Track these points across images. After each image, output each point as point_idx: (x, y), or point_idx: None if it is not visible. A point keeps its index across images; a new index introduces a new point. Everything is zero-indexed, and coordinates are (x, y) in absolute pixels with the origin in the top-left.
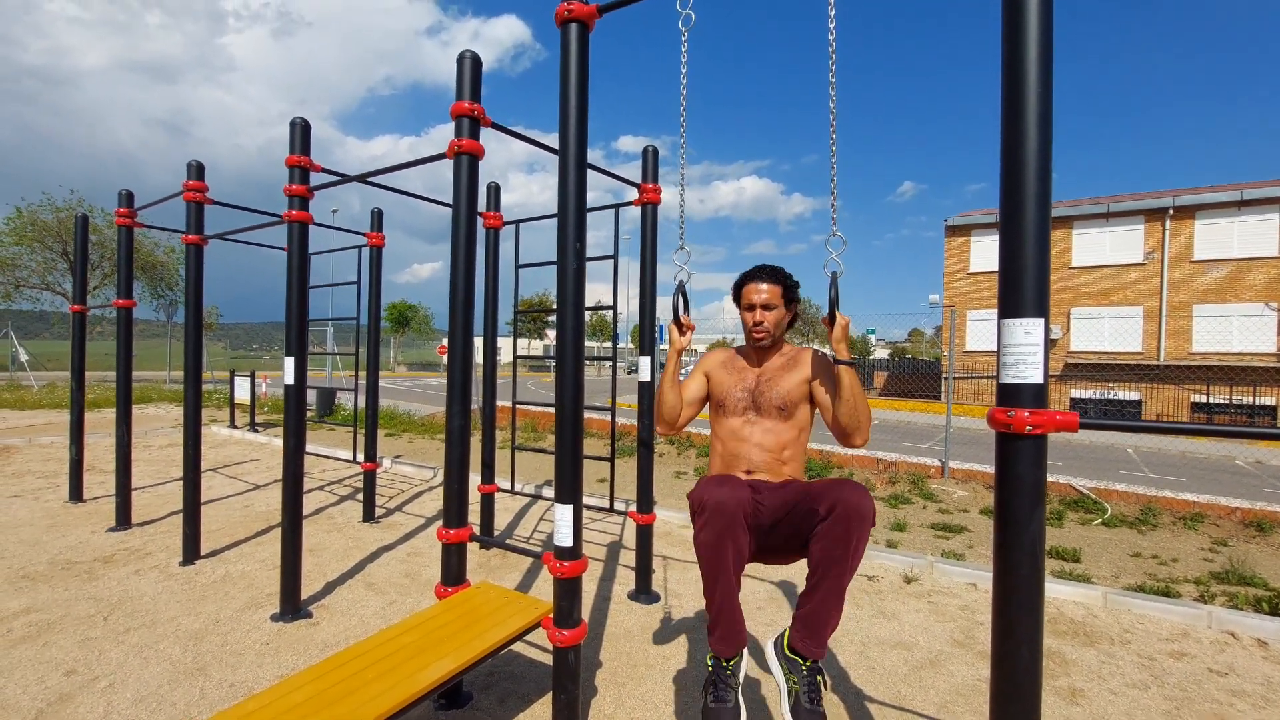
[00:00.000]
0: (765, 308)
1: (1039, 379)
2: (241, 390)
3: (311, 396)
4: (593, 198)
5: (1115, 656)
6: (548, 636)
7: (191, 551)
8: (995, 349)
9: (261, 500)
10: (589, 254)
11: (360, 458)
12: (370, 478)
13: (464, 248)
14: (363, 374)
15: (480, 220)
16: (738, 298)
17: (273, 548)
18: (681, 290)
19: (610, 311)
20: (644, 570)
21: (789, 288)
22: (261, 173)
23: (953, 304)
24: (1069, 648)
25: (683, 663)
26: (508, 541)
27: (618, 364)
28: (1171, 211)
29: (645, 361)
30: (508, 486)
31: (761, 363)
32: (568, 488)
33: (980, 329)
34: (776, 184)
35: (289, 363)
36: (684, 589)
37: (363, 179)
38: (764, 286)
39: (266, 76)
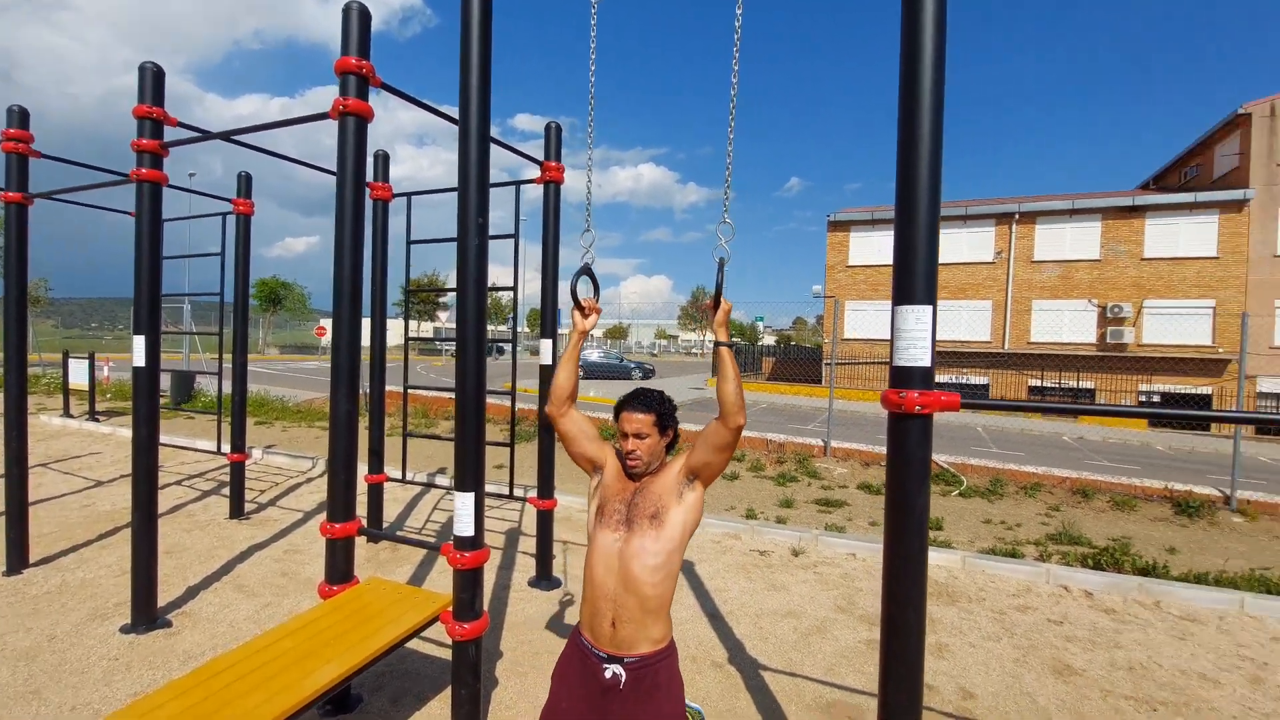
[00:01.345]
0: (637, 436)
1: (927, 362)
2: (78, 374)
3: (166, 381)
4: (490, 175)
5: (973, 613)
6: (447, 631)
7: (18, 559)
8: (871, 337)
9: (105, 498)
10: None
11: (226, 448)
12: (238, 470)
13: (350, 218)
14: (228, 356)
15: (367, 191)
16: (616, 422)
17: (121, 551)
18: (587, 272)
19: (507, 294)
20: (544, 556)
21: (662, 415)
22: (102, 128)
23: (834, 295)
24: (935, 607)
25: None
26: (399, 534)
27: (517, 347)
28: (1017, 216)
29: (547, 345)
30: (398, 476)
31: (639, 479)
32: (470, 475)
33: (858, 318)
34: (673, 172)
35: (139, 342)
36: None
37: (228, 136)
38: (637, 416)
39: (108, 19)
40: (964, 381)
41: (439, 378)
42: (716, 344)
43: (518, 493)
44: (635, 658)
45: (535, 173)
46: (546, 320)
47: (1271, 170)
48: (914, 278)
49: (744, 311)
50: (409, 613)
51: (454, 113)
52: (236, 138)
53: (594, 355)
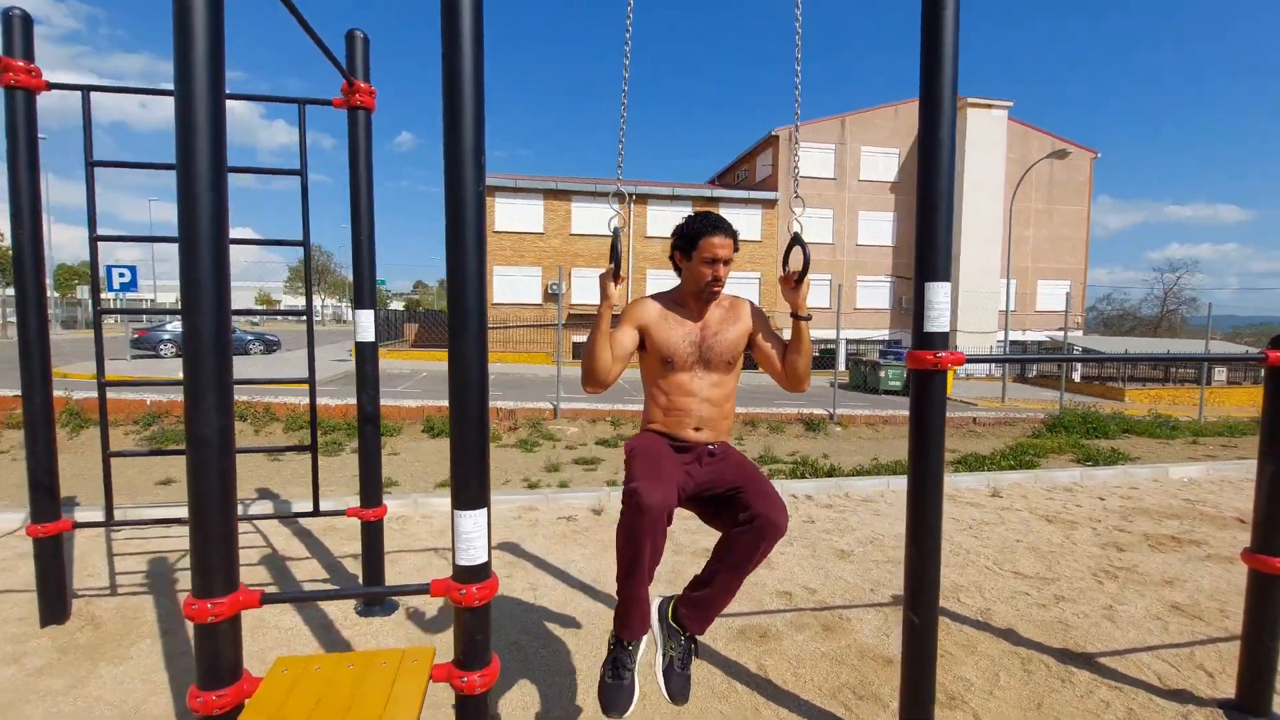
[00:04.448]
0: (725, 263)
1: (946, 328)
2: None
3: None
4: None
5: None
6: (454, 687)
7: None
8: (520, 301)
9: None
10: (255, 165)
11: None
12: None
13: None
14: None
15: None
16: (689, 248)
17: None
18: (618, 237)
19: (301, 252)
20: (375, 576)
21: (736, 241)
22: None
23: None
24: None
25: None
26: (311, 590)
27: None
28: (633, 197)
29: (366, 317)
30: (96, 518)
31: (702, 314)
32: (475, 486)
33: (505, 284)
34: (256, 105)
35: None
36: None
37: None
38: (727, 241)
39: None
40: None
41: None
42: (801, 317)
43: (328, 505)
44: (717, 443)
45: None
46: (364, 286)
47: (790, 179)
48: (937, 259)
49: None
50: (401, 684)
51: None
52: None
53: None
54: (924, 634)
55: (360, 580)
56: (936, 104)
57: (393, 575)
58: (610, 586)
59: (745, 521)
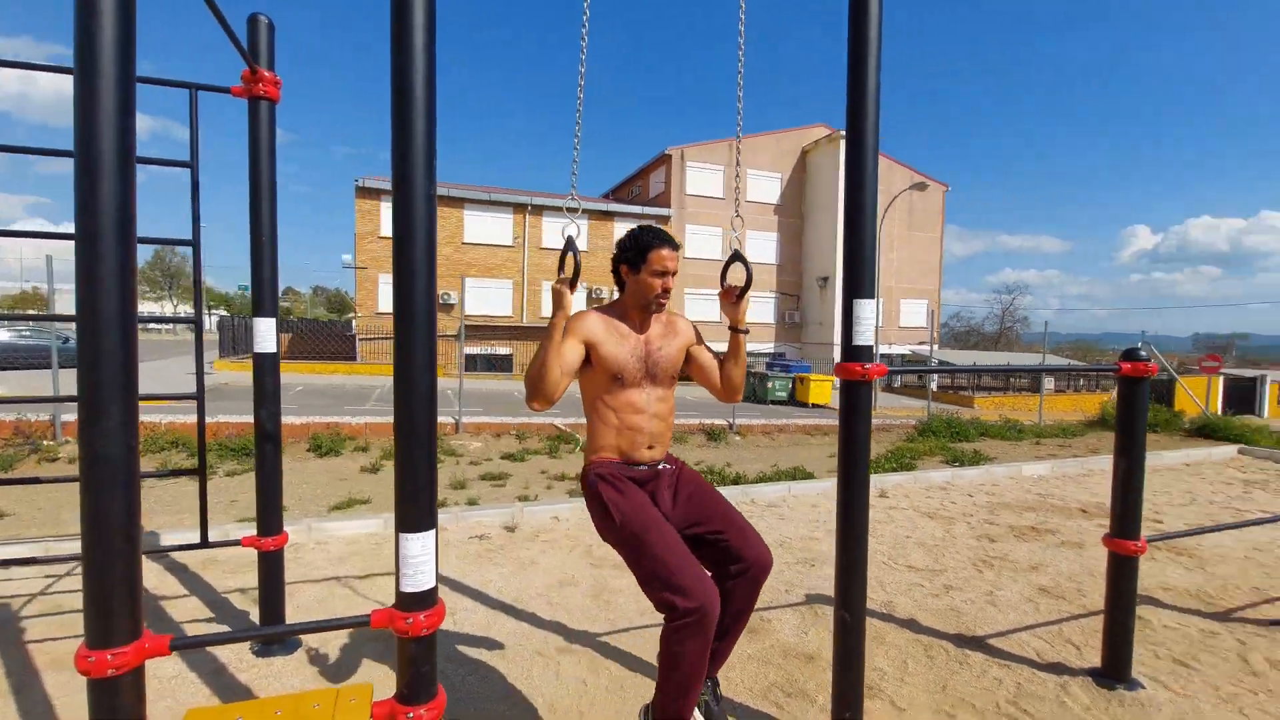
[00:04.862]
0: (673, 275)
1: (871, 340)
2: None
3: None
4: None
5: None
6: None
7: None
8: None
9: None
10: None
11: None
12: None
13: None
14: None
15: None
16: (639, 260)
17: None
18: (573, 246)
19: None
20: (275, 610)
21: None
22: None
23: (367, 265)
24: None
25: None
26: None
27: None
28: (530, 207)
29: (267, 325)
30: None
31: (645, 328)
32: (423, 506)
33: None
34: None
35: None
36: (338, 612)
37: None
38: (674, 254)
39: None
40: (492, 352)
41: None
42: (738, 330)
43: (219, 535)
44: (672, 461)
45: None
46: (265, 291)
47: (682, 197)
48: (864, 277)
49: (229, 279)
50: None
51: None
52: None
53: (2, 335)
54: (854, 629)
55: (257, 617)
56: (861, 138)
57: (292, 609)
58: (533, 604)
59: (739, 573)
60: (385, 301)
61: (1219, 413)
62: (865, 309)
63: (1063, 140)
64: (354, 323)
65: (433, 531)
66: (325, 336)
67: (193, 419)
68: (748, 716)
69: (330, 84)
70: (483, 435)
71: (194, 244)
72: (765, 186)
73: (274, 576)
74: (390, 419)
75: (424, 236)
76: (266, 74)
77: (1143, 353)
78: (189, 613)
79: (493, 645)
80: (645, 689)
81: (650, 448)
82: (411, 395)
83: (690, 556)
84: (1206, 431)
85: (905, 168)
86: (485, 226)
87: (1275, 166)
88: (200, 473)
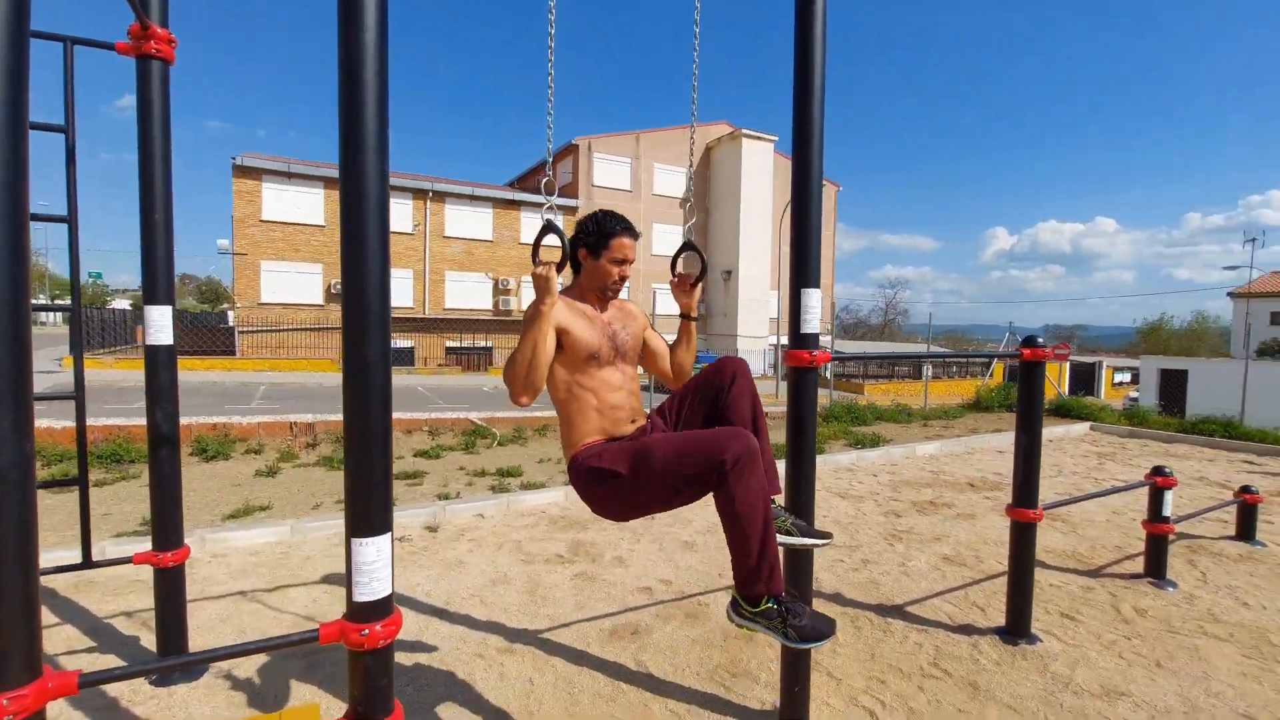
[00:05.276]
0: (630, 263)
1: (818, 329)
2: None
3: None
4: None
5: (606, 532)
6: None
7: None
8: (294, 301)
9: None
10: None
11: None
12: None
13: None
14: None
15: None
16: (599, 246)
17: None
18: (556, 228)
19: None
20: (176, 635)
21: None
22: None
23: (247, 252)
24: (585, 535)
25: None
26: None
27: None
28: (431, 194)
29: (161, 315)
30: None
31: (603, 310)
32: (376, 508)
33: (277, 281)
34: None
35: None
36: (236, 634)
37: None
38: (635, 243)
39: None
40: (393, 345)
41: None
42: (689, 318)
43: (97, 553)
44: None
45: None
46: (159, 274)
47: (590, 188)
48: (810, 267)
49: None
50: None
51: None
52: None
53: None
54: None
55: (149, 643)
56: (808, 136)
57: (192, 630)
58: (466, 606)
59: (730, 386)
60: (270, 291)
61: (1067, 394)
62: (811, 298)
63: (937, 145)
64: (231, 315)
65: (388, 535)
66: (198, 330)
67: (49, 423)
68: (695, 699)
69: (201, 52)
70: (393, 433)
71: (70, 220)
72: (671, 180)
73: (174, 596)
74: (285, 418)
75: (377, 217)
76: (160, 30)
77: (1040, 340)
78: (67, 643)
79: (428, 651)
80: (595, 683)
81: (633, 422)
82: (365, 391)
83: (699, 429)
84: (1062, 411)
85: None
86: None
87: (1109, 176)
88: (81, 482)
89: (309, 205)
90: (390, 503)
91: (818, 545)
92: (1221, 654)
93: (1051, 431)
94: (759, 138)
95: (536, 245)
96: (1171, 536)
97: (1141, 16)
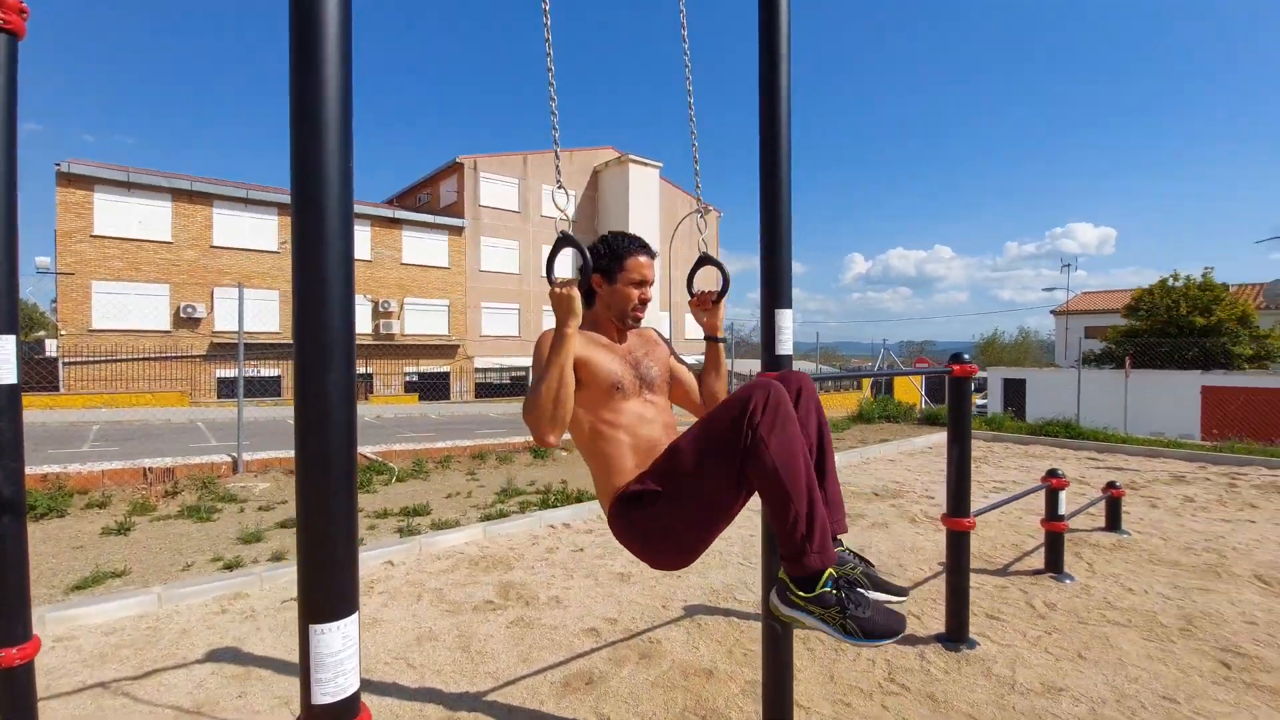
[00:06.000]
0: (651, 284)
1: (791, 350)
2: None
3: None
4: None
5: (542, 565)
6: None
7: None
8: (134, 327)
9: None
10: None
11: None
12: None
13: None
14: None
15: None
16: (614, 269)
17: None
18: (574, 241)
19: None
20: None
21: None
22: None
23: (74, 271)
24: (515, 574)
25: None
26: None
27: None
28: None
29: (7, 345)
30: None
31: (622, 341)
32: (346, 587)
33: (112, 304)
34: None
35: None
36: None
37: None
38: (652, 262)
39: None
40: (257, 374)
41: None
42: (716, 339)
43: None
44: None
45: None
46: (2, 296)
47: (476, 208)
48: (783, 287)
49: None
50: None
51: None
52: None
53: None
54: (783, 640)
55: None
56: (775, 156)
57: None
58: (391, 671)
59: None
60: (103, 316)
61: (929, 404)
62: (785, 318)
63: (800, 177)
64: (52, 344)
65: (354, 616)
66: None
67: None
68: None
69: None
70: (271, 473)
71: None
72: (560, 202)
73: (24, 700)
74: (137, 463)
75: (340, 235)
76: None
77: (966, 356)
78: None
79: None
80: None
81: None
82: (321, 434)
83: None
84: (932, 420)
85: (685, 193)
86: (242, 229)
87: (943, 207)
88: None
89: (155, 219)
90: (356, 576)
91: (895, 602)
92: (1128, 640)
93: (930, 439)
94: (645, 163)
95: (550, 264)
96: (1065, 533)
97: (970, 74)
